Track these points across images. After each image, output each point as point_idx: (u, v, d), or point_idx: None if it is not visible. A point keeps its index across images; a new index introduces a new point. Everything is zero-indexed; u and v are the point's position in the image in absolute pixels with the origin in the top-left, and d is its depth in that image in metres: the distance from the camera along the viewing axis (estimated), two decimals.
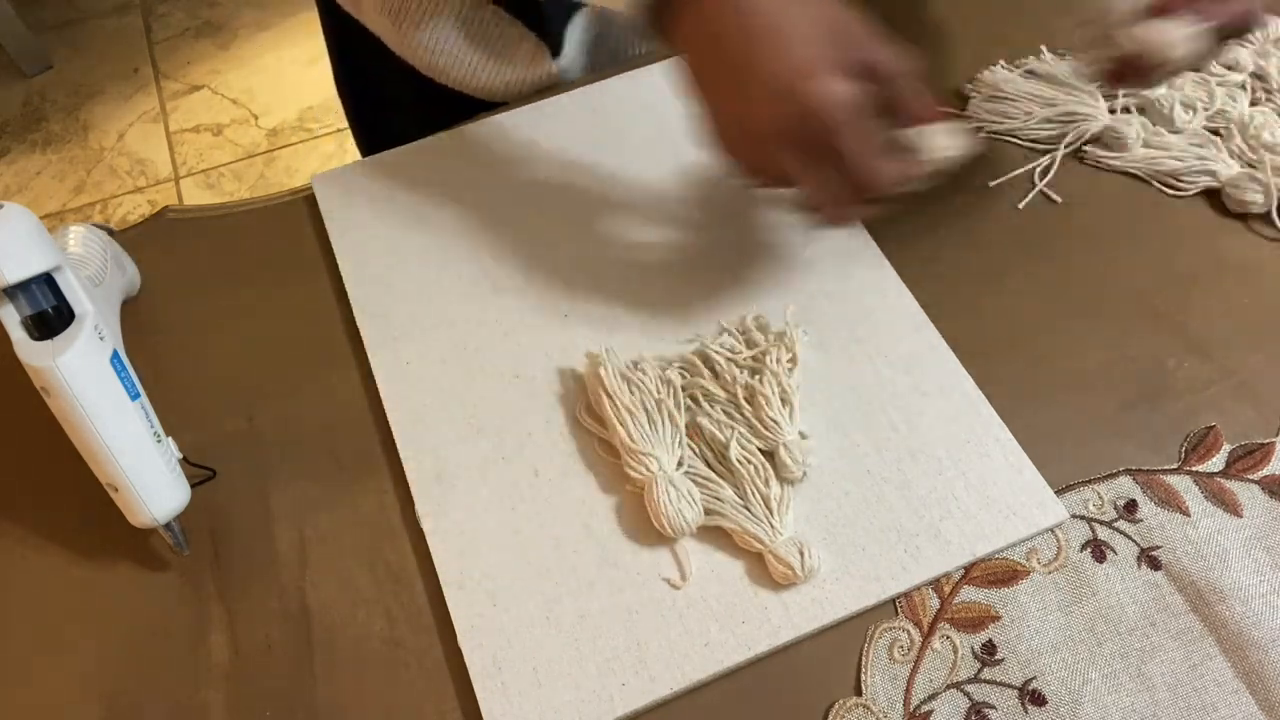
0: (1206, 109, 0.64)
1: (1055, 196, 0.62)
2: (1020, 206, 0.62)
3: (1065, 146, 0.64)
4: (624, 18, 0.48)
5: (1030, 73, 0.67)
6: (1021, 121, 0.65)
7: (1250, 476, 0.52)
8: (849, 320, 0.57)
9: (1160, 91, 0.64)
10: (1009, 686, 0.47)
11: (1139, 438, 0.53)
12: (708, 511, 0.50)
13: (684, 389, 0.54)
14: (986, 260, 0.60)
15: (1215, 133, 0.64)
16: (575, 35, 0.70)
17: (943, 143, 0.51)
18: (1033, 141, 0.65)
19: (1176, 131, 0.63)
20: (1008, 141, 0.65)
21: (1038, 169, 0.63)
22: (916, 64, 0.49)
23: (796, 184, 0.48)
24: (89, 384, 0.46)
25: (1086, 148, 0.64)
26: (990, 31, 0.71)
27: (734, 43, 0.46)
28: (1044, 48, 0.69)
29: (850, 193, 0.48)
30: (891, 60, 0.48)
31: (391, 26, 0.70)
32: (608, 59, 0.73)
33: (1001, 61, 0.68)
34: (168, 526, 0.49)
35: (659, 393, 0.53)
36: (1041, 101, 0.65)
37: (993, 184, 0.63)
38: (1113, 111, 0.65)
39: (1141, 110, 0.65)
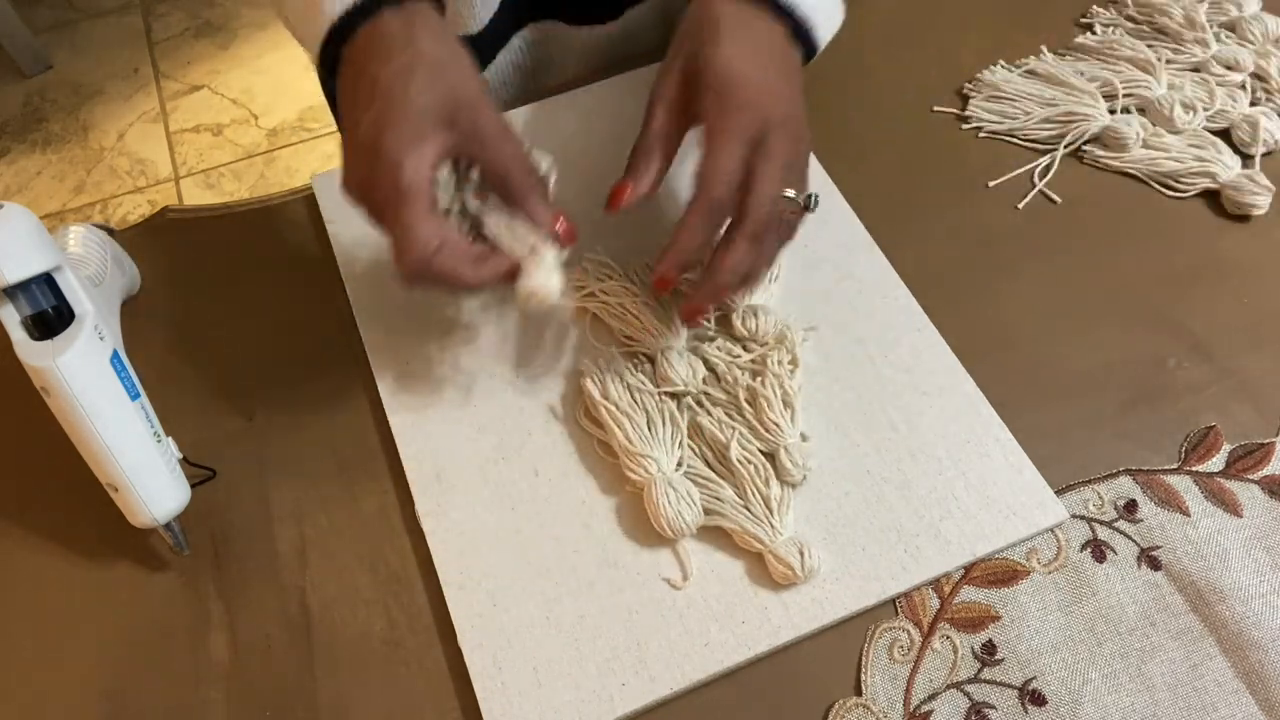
0: (1207, 109, 0.64)
1: (1055, 197, 0.62)
2: (1020, 207, 0.62)
3: (1065, 146, 0.64)
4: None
5: (1030, 73, 0.67)
6: (1021, 121, 0.65)
7: (1250, 476, 0.52)
8: (849, 320, 0.57)
9: (1160, 91, 0.64)
10: (1009, 686, 0.47)
11: (1139, 438, 0.53)
12: (708, 511, 0.50)
13: (685, 391, 0.54)
14: (986, 260, 0.60)
15: (1216, 133, 0.64)
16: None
17: (537, 279, 0.48)
18: (1033, 141, 0.65)
19: (1176, 132, 0.63)
20: (1008, 141, 0.65)
21: (1037, 169, 0.63)
22: (534, 174, 0.49)
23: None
24: (89, 384, 0.46)
25: (1086, 148, 0.64)
26: (990, 31, 0.71)
27: (363, 88, 0.47)
28: (1044, 48, 0.69)
29: (398, 264, 0.47)
30: (505, 157, 0.48)
31: None
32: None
33: (1001, 61, 0.68)
34: (168, 526, 0.49)
35: (659, 396, 0.53)
36: (1041, 101, 0.65)
37: (992, 184, 0.63)
38: (1113, 112, 0.65)
39: (1142, 110, 0.65)
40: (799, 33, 0.52)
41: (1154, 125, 0.64)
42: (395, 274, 0.47)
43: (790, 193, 0.48)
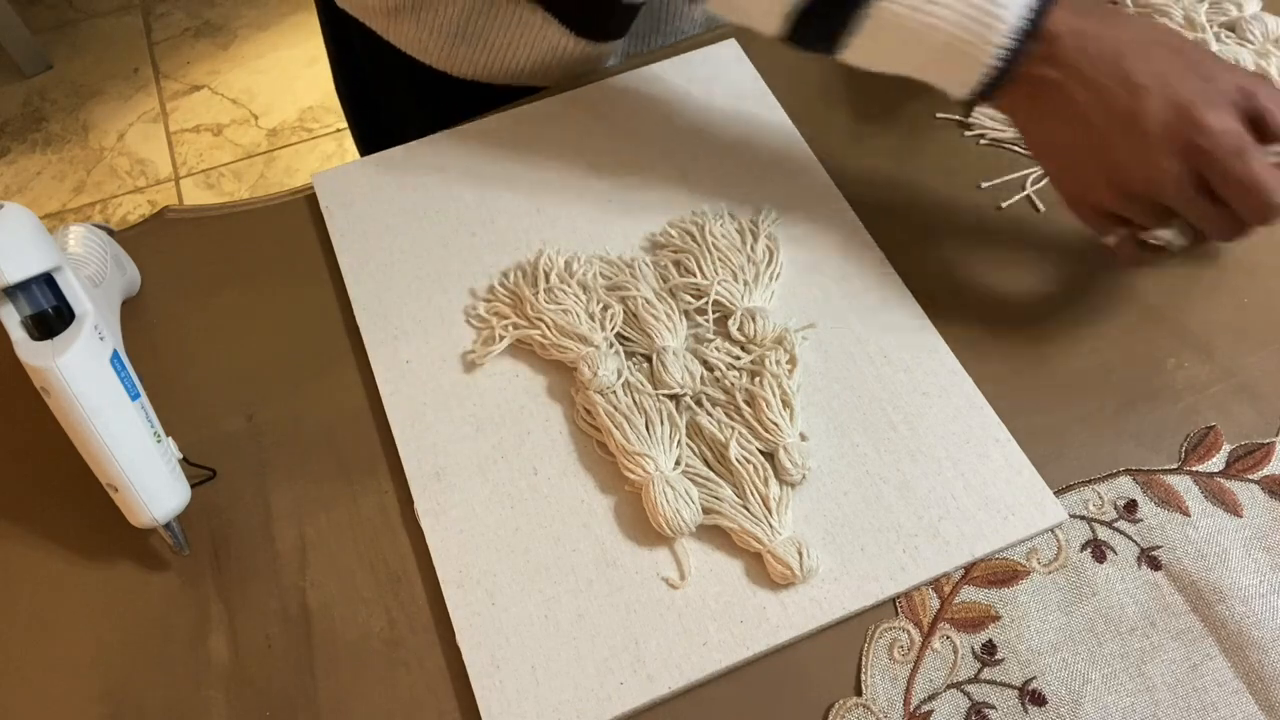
0: None
1: (1039, 205, 0.62)
2: (1003, 205, 0.62)
3: None
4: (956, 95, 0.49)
5: None
6: None
7: (1250, 476, 0.52)
8: (849, 320, 0.57)
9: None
10: (1009, 686, 0.47)
11: (1139, 438, 0.53)
12: (706, 511, 0.50)
13: (683, 392, 0.54)
14: (986, 260, 0.60)
15: None
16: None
17: None
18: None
19: None
20: (1009, 149, 0.65)
21: (1031, 175, 0.63)
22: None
23: (1189, 217, 0.46)
24: (89, 384, 0.46)
25: None
26: None
27: (1105, 97, 0.45)
28: None
29: (1241, 221, 0.45)
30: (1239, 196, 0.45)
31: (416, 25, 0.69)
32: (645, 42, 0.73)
33: None
34: (168, 526, 0.49)
35: (657, 397, 0.53)
36: None
37: (985, 185, 0.63)
38: None
39: None
40: None
41: None
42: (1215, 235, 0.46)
43: None
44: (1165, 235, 0.48)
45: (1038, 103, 0.48)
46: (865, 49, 0.50)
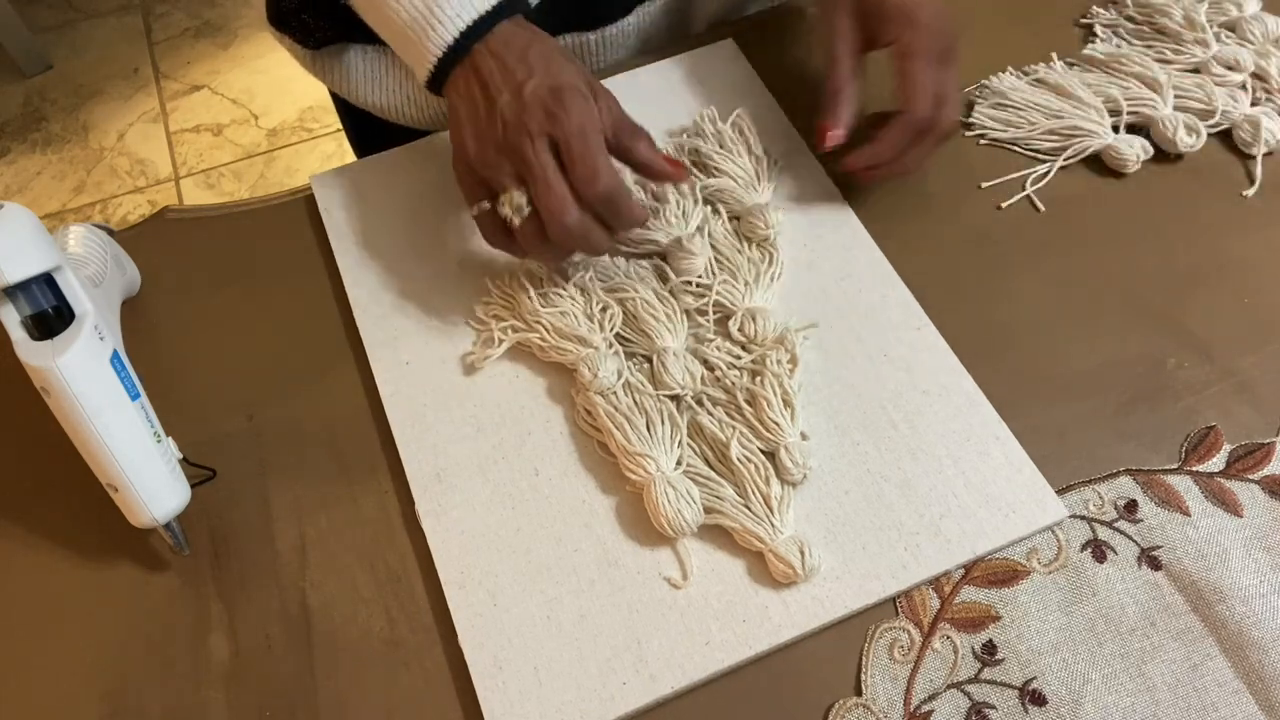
0: (1212, 127, 0.64)
1: (1039, 205, 0.62)
2: (1003, 206, 0.62)
3: (1063, 160, 0.63)
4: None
5: (1039, 81, 0.67)
6: (1025, 131, 0.65)
7: (1250, 476, 0.52)
8: (849, 320, 0.57)
9: (1166, 111, 0.63)
10: (1009, 686, 0.47)
11: (1139, 438, 0.53)
12: (708, 510, 0.50)
13: (685, 393, 0.54)
14: (987, 260, 0.60)
15: (1217, 134, 0.64)
16: None
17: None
18: (1034, 152, 0.64)
19: (1179, 155, 0.63)
20: (1009, 150, 0.65)
21: (1031, 176, 0.63)
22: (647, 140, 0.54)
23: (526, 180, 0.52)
24: (89, 384, 0.46)
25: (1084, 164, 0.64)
26: (990, 32, 0.71)
27: (512, 65, 0.53)
28: (1055, 56, 0.69)
29: (591, 190, 0.51)
30: (586, 176, 0.51)
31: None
32: None
33: (1010, 68, 0.68)
34: (168, 526, 0.49)
35: (658, 397, 0.53)
36: (1047, 113, 0.65)
37: (985, 185, 0.63)
38: (1116, 130, 0.64)
39: (1145, 130, 0.64)
40: None
41: (1156, 146, 0.63)
42: (551, 224, 0.51)
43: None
44: (516, 198, 0.52)
45: (453, 93, 0.55)
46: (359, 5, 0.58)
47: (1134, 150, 0.62)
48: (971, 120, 0.66)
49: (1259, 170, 0.62)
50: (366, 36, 0.64)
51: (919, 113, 0.56)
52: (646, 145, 0.54)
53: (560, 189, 0.51)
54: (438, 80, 0.55)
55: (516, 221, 0.53)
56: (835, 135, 0.58)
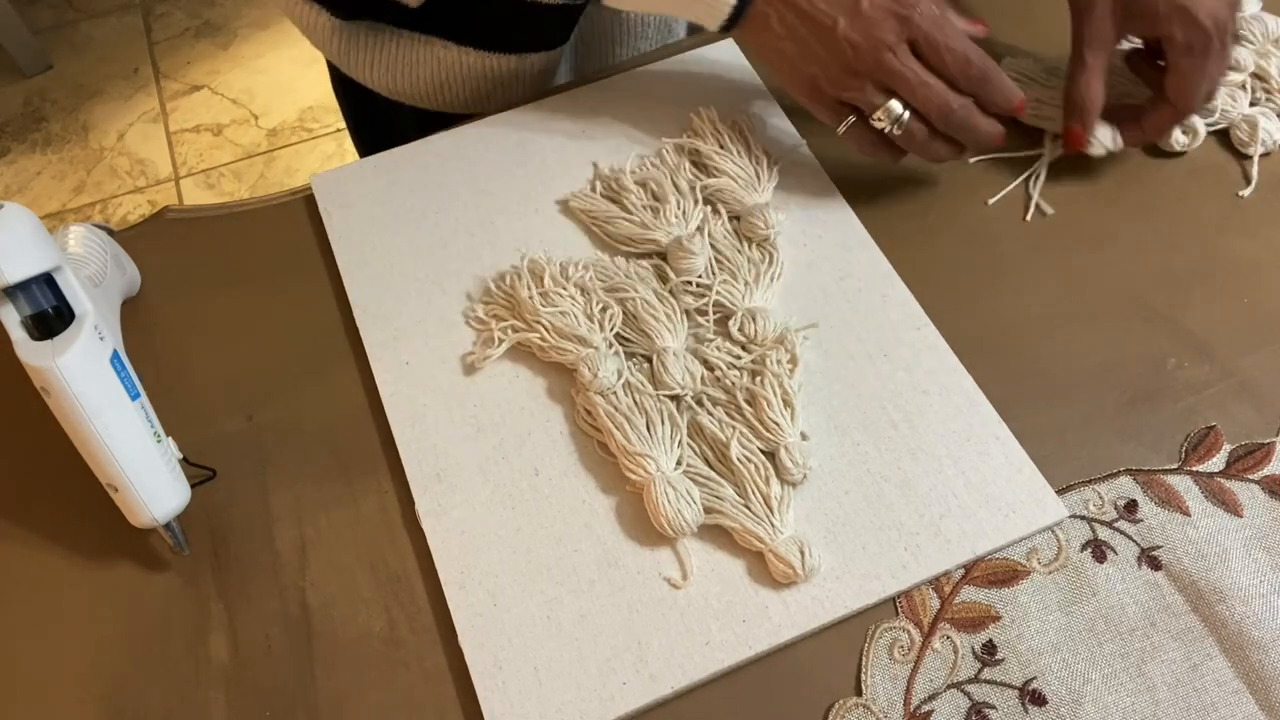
0: (1210, 128, 0.64)
1: (1047, 208, 0.61)
2: (990, 203, 0.62)
3: (1050, 159, 0.63)
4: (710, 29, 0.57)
5: (1052, 71, 0.66)
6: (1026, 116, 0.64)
7: (1250, 476, 0.52)
8: (849, 319, 0.57)
9: (1106, 139, 0.63)
10: (1009, 686, 0.47)
11: (1139, 438, 0.53)
12: (708, 510, 0.50)
13: (685, 394, 0.54)
14: (986, 260, 0.60)
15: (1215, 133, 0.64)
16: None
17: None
18: (1028, 152, 0.64)
19: (1177, 154, 0.63)
20: (1008, 149, 0.64)
21: (1033, 176, 0.63)
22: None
23: (903, 89, 0.53)
24: (89, 384, 0.46)
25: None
26: (1000, 36, 0.71)
27: (828, 33, 0.53)
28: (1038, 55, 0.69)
29: (951, 98, 0.53)
30: (958, 63, 0.53)
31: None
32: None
33: (1007, 58, 0.68)
34: (168, 526, 0.49)
35: (658, 397, 0.53)
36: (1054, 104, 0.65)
37: (986, 189, 0.63)
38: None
39: None
40: None
41: (1156, 145, 0.63)
42: (947, 117, 0.54)
43: None
44: (894, 110, 0.54)
45: (764, 32, 0.56)
46: None
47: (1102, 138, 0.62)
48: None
49: (1255, 170, 0.62)
50: (396, 19, 0.64)
51: (1189, 109, 0.57)
52: (1000, 78, 0.55)
53: (938, 85, 0.53)
54: (733, 20, 0.55)
55: (898, 131, 0.54)
56: (1084, 140, 0.59)
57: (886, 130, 0.55)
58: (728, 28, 0.56)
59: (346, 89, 0.81)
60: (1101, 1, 0.57)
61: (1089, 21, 0.58)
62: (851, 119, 0.56)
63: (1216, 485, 0.51)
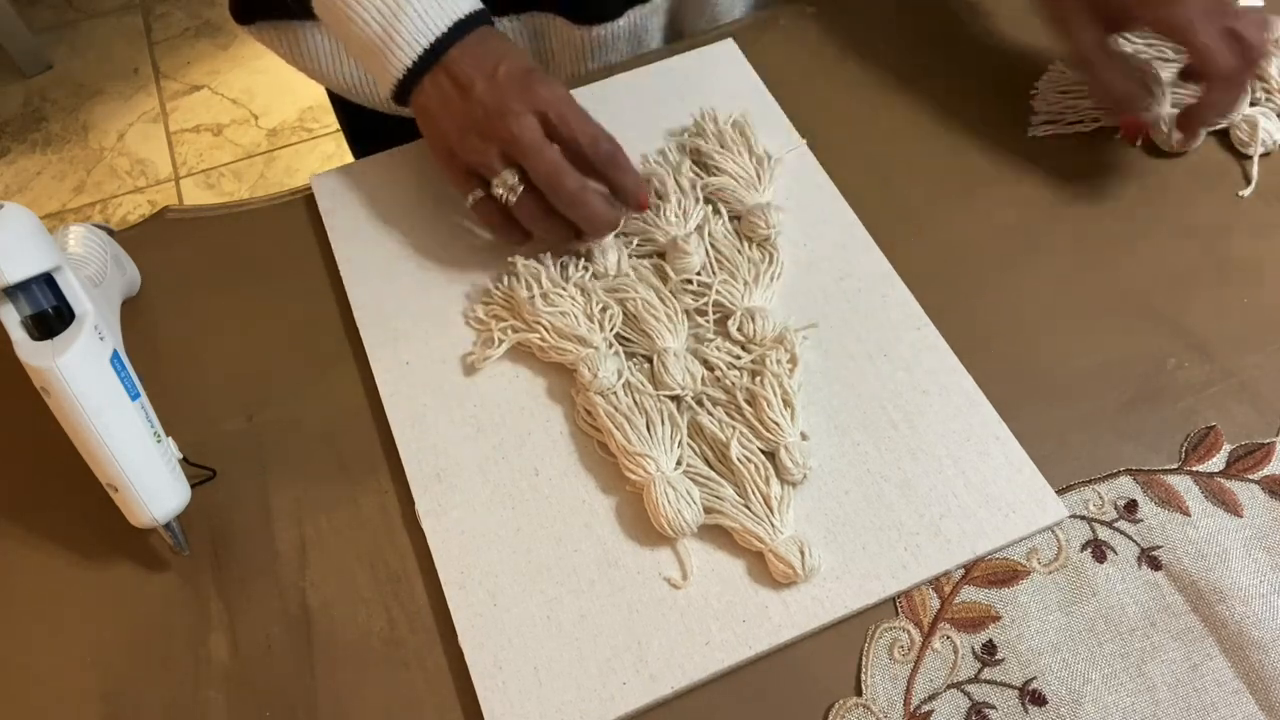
0: (1210, 128, 0.64)
1: (1042, 205, 0.61)
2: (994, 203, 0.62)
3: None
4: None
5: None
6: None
7: (1250, 476, 0.52)
8: (849, 319, 0.57)
9: (1165, 110, 0.63)
10: (1009, 686, 0.47)
11: (1139, 438, 0.53)
12: (708, 510, 0.50)
13: (684, 394, 0.54)
14: (986, 259, 0.60)
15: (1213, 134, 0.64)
16: None
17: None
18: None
19: (1179, 154, 0.63)
20: (1007, 148, 0.65)
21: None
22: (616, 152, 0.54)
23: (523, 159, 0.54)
24: (89, 384, 0.46)
25: None
26: (1000, 36, 0.71)
27: (480, 62, 0.54)
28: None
29: (541, 209, 0.54)
30: (588, 136, 0.53)
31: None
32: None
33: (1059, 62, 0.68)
34: (168, 526, 0.49)
35: (658, 397, 0.53)
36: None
37: (985, 185, 0.63)
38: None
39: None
40: None
41: (1155, 144, 0.64)
42: (559, 189, 0.53)
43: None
44: (508, 178, 0.54)
45: (420, 95, 0.56)
46: (323, 13, 0.58)
47: None
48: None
49: (1255, 171, 0.62)
50: None
51: (1224, 69, 0.55)
52: (625, 169, 0.55)
53: (553, 154, 0.52)
54: (404, 92, 0.56)
55: (513, 199, 0.53)
56: (1142, 123, 0.60)
57: (503, 198, 0.54)
58: (400, 95, 0.57)
59: (344, 103, 0.81)
60: (1075, 16, 0.58)
61: (1063, 18, 0.59)
62: (480, 193, 0.56)
63: (1216, 485, 0.51)
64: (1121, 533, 0.50)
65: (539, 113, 0.52)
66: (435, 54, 0.54)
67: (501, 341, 0.56)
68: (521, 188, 0.53)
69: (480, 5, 0.57)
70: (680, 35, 0.75)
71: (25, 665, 0.49)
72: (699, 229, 0.59)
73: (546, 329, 0.55)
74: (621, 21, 0.70)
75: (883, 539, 0.49)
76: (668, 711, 0.47)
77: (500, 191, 0.54)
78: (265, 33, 0.65)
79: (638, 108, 0.66)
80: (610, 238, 0.58)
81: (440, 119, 0.55)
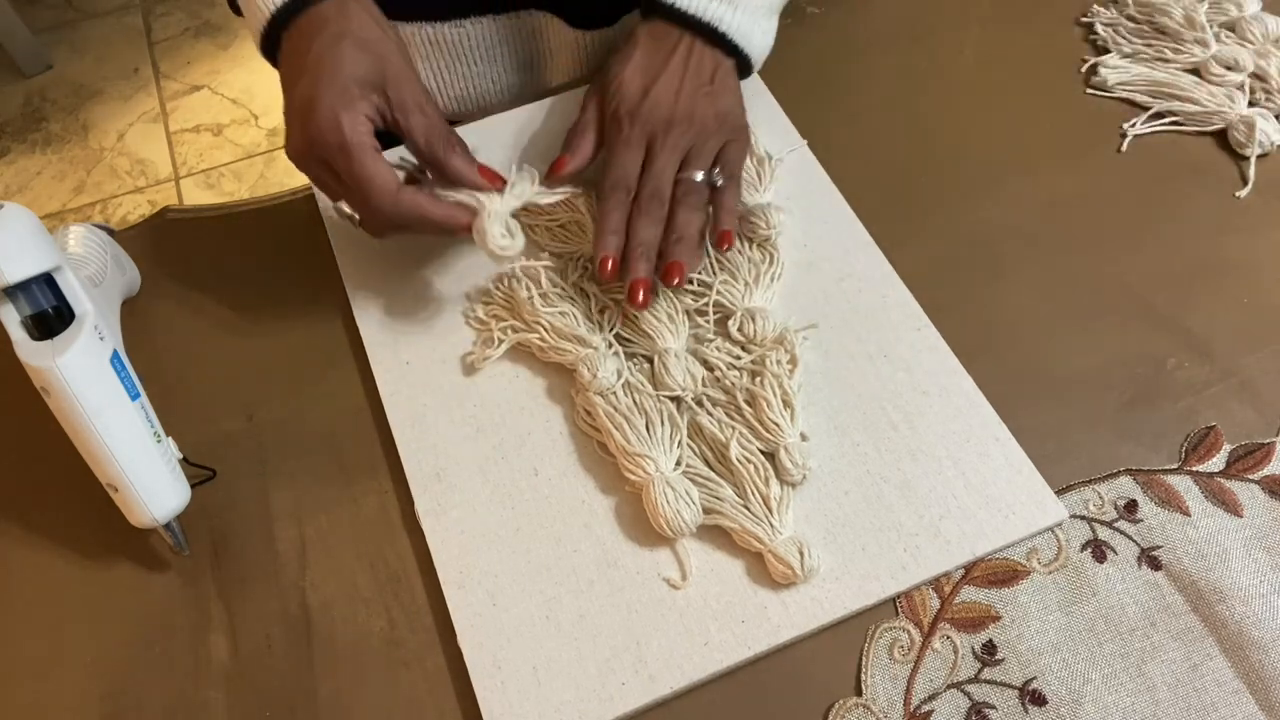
0: (1209, 128, 0.64)
1: (1040, 206, 0.61)
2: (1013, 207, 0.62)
3: None
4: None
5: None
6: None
7: (1250, 476, 0.52)
8: (849, 320, 0.57)
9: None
10: (1009, 686, 0.47)
11: (1139, 438, 0.53)
12: (707, 511, 0.50)
13: (684, 393, 0.54)
14: (986, 260, 0.60)
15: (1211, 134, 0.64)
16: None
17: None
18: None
19: (1179, 154, 0.63)
20: (1008, 147, 0.65)
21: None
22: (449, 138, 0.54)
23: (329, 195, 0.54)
24: (89, 384, 0.46)
25: None
26: (990, 31, 0.71)
27: (296, 64, 0.53)
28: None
29: (364, 212, 0.53)
30: (425, 125, 0.53)
31: None
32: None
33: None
34: (168, 526, 0.49)
35: (658, 397, 0.53)
36: None
37: (985, 184, 0.63)
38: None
39: None
40: (716, 39, 0.58)
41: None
42: (365, 224, 0.52)
43: (698, 174, 0.56)
44: (345, 210, 0.54)
45: (286, 59, 0.54)
46: None
47: None
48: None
49: (1252, 172, 0.62)
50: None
51: (612, 175, 0.56)
52: (460, 157, 0.54)
53: (358, 203, 0.52)
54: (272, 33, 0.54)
55: (357, 219, 0.54)
56: (569, 164, 0.58)
57: (348, 218, 0.54)
58: (268, 46, 0.55)
59: None
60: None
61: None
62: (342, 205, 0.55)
63: (1216, 485, 0.51)
64: (1121, 533, 0.50)
65: (322, 159, 0.52)
66: (270, 35, 0.54)
67: (501, 341, 0.56)
68: (356, 215, 0.54)
69: None
70: None
71: (26, 665, 0.49)
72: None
73: (546, 329, 0.55)
74: (617, 26, 0.71)
75: (882, 540, 0.49)
76: (667, 712, 0.47)
77: (346, 212, 0.54)
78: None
79: None
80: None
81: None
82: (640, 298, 0.54)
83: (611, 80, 0.58)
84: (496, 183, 0.55)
